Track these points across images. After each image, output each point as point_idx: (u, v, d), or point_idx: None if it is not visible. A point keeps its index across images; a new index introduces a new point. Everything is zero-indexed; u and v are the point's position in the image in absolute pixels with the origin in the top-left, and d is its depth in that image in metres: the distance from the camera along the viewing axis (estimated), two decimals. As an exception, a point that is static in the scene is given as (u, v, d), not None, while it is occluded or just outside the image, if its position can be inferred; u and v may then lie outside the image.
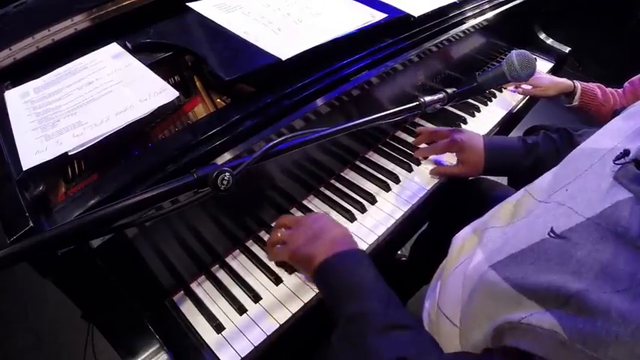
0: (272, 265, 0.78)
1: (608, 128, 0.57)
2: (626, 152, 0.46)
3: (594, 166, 0.50)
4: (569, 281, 0.38)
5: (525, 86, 1.20)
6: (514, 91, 1.22)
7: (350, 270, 0.62)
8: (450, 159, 0.95)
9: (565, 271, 0.40)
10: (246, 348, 0.67)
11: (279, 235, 0.73)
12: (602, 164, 0.49)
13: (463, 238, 0.67)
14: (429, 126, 1.07)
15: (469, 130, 0.94)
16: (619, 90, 1.19)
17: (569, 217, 0.45)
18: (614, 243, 0.39)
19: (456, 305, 0.56)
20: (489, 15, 1.09)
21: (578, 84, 1.18)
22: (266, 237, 0.83)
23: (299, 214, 0.87)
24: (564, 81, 1.19)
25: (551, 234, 0.45)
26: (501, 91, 1.22)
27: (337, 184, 0.92)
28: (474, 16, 1.06)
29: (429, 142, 0.97)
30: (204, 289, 0.75)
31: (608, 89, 1.20)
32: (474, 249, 0.59)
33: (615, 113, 0.61)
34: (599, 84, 1.20)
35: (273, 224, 0.85)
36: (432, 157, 0.97)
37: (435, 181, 0.93)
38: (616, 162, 0.46)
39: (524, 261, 0.45)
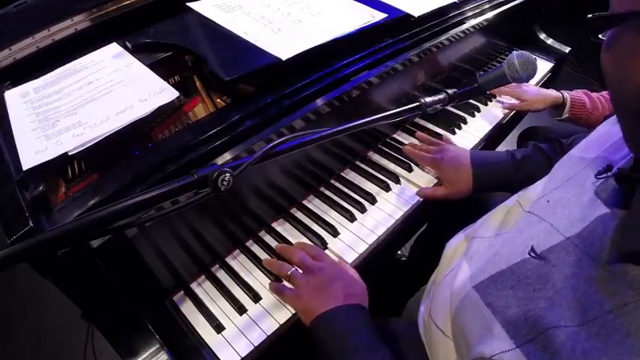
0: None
1: (594, 136, 0.57)
2: (609, 167, 0.46)
3: (577, 175, 0.51)
4: (544, 313, 0.39)
5: (510, 100, 1.13)
6: (501, 102, 1.14)
7: (342, 331, 0.61)
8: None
9: (542, 297, 0.41)
10: (246, 348, 0.67)
11: (288, 272, 0.69)
12: (584, 175, 0.49)
13: (455, 244, 0.67)
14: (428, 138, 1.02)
15: (456, 149, 0.91)
16: (604, 93, 1.11)
17: (550, 235, 0.45)
18: (589, 267, 0.39)
19: (446, 316, 0.57)
20: (489, 15, 1.08)
21: (567, 95, 1.09)
22: (266, 237, 0.83)
23: (299, 214, 0.87)
24: (552, 92, 1.10)
25: (532, 253, 0.45)
26: (488, 104, 1.16)
27: (337, 184, 0.92)
28: (474, 16, 1.06)
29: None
30: (204, 289, 0.75)
31: (595, 94, 1.10)
32: (461, 258, 0.59)
33: (605, 118, 0.61)
34: (585, 90, 1.11)
35: (273, 224, 0.85)
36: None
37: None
38: (598, 177, 0.46)
39: (505, 284, 0.45)
